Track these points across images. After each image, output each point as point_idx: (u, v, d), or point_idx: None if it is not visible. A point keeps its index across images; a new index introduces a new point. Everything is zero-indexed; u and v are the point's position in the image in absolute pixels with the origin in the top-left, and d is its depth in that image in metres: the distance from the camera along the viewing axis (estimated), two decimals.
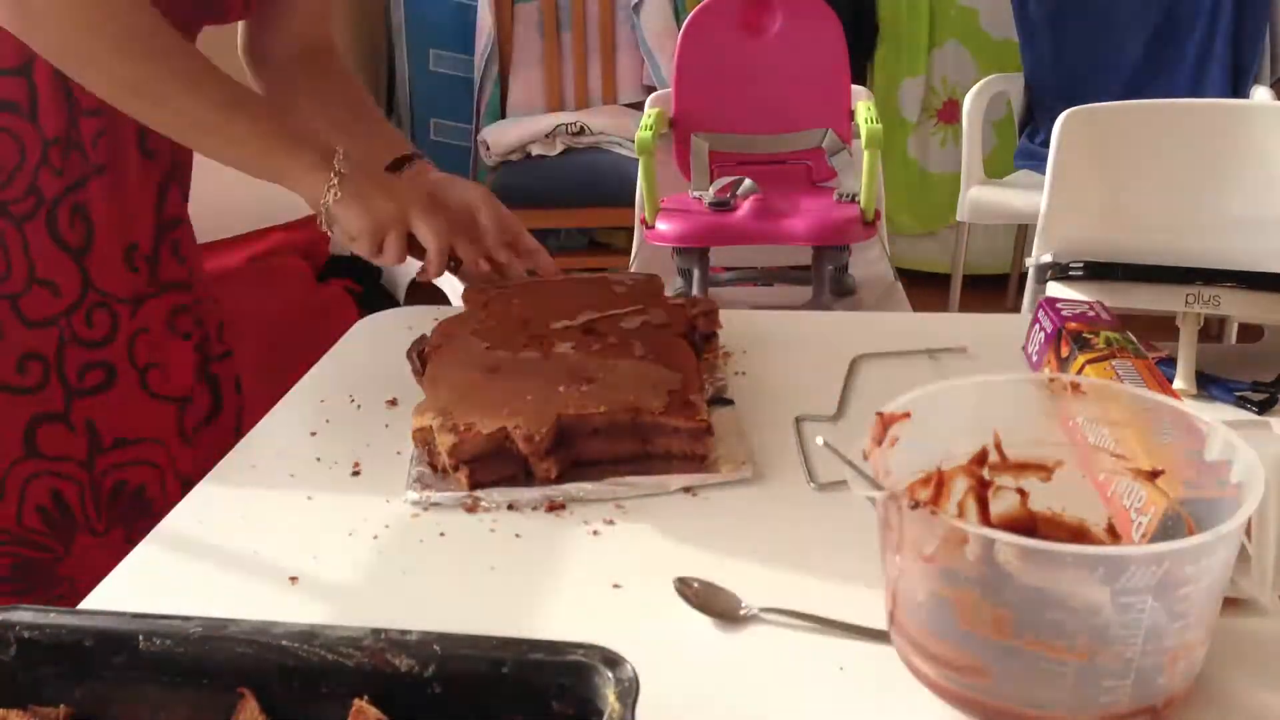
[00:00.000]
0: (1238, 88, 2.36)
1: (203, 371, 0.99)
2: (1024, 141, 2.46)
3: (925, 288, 2.83)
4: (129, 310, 0.91)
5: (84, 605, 0.61)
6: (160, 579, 0.65)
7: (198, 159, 0.95)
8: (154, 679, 0.49)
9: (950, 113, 2.80)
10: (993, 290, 2.66)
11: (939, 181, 2.83)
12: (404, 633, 0.47)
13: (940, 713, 0.53)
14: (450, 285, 1.90)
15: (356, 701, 0.46)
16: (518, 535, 0.68)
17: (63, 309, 0.87)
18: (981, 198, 2.25)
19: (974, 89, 2.30)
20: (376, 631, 0.47)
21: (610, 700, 0.43)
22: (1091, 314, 0.87)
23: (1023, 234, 2.59)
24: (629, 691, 0.43)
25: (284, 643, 0.47)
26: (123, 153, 0.88)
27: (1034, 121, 2.44)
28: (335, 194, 0.82)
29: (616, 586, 0.63)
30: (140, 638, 0.49)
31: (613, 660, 0.44)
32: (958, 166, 2.33)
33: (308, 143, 0.83)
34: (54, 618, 0.50)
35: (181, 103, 0.80)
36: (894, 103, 2.80)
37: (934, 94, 2.82)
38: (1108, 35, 2.38)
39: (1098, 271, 1.52)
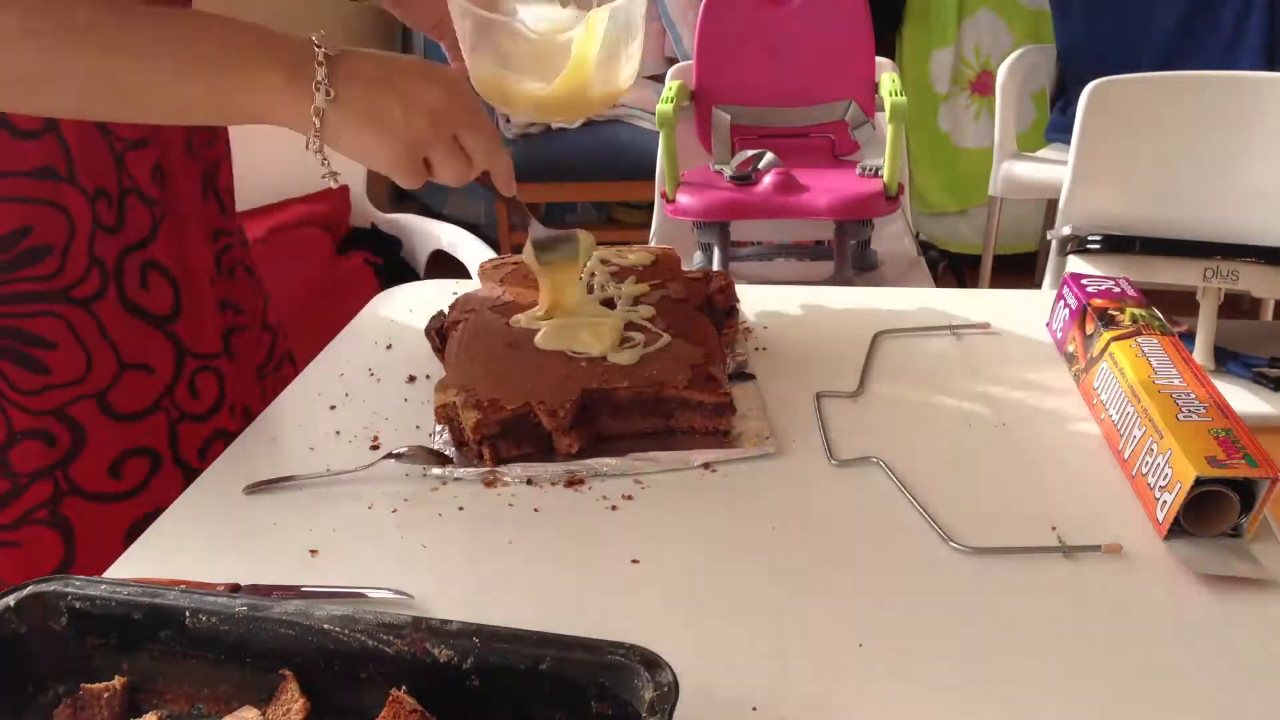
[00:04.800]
0: (1273, 60, 2.31)
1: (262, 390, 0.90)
2: (1056, 114, 2.42)
3: (954, 267, 2.79)
4: (226, 362, 0.82)
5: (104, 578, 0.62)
6: (181, 552, 0.66)
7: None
8: (199, 655, 0.50)
9: (984, 84, 2.75)
10: (1023, 270, 2.63)
11: (971, 157, 2.79)
12: (444, 622, 0.47)
13: (943, 703, 0.53)
14: (468, 258, 1.90)
15: (394, 692, 0.46)
16: (536, 510, 0.68)
17: (164, 389, 0.76)
18: (1014, 172, 2.21)
19: (1008, 59, 2.26)
20: (417, 620, 0.48)
21: (646, 702, 0.43)
22: (1117, 290, 0.86)
23: (1053, 210, 2.55)
24: (667, 697, 0.42)
25: (325, 626, 0.48)
26: (174, 174, 0.77)
27: (1066, 94, 2.39)
28: (327, 96, 0.59)
29: (634, 561, 0.63)
30: (187, 614, 0.49)
31: (653, 663, 0.44)
32: (992, 141, 2.29)
33: (270, 48, 0.60)
34: (105, 590, 0.51)
35: (87, 78, 0.58)
36: (924, 75, 2.76)
37: (966, 65, 2.77)
38: (1141, 6, 2.33)
39: (1116, 245, 1.51)
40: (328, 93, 0.59)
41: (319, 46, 0.60)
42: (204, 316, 0.80)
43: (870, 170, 1.80)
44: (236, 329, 0.86)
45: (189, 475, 0.76)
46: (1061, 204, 1.64)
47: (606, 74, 0.78)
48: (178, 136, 0.77)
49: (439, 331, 0.86)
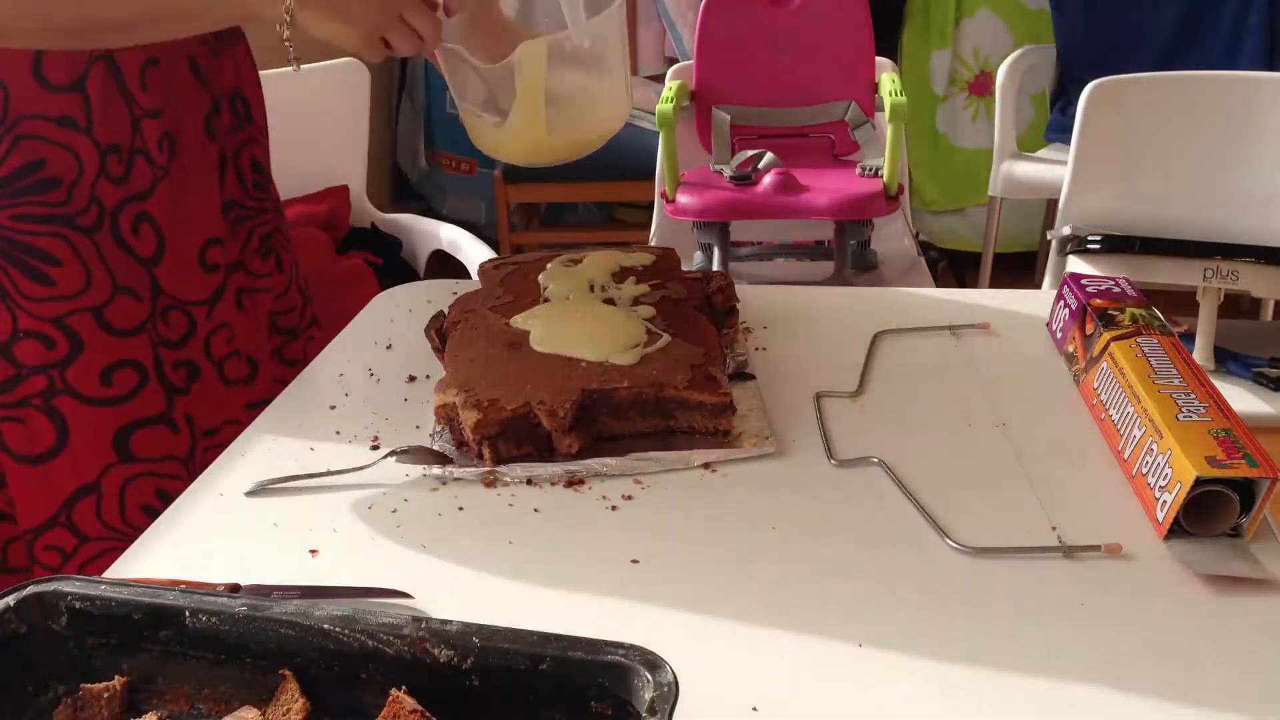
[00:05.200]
0: (1273, 60, 2.31)
1: (276, 349, 0.99)
2: (1056, 114, 2.42)
3: (953, 266, 2.79)
4: (204, 311, 0.90)
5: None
6: (181, 552, 0.66)
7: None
8: (199, 655, 0.50)
9: (982, 85, 2.75)
10: (1023, 270, 2.63)
11: (969, 157, 2.79)
12: (444, 623, 0.47)
13: (943, 703, 0.53)
14: (468, 258, 1.91)
15: (394, 692, 0.46)
16: (536, 510, 0.68)
17: (147, 315, 0.86)
18: (1014, 172, 2.21)
19: (1008, 60, 2.26)
20: (417, 620, 0.48)
21: (646, 702, 0.43)
22: (1117, 290, 0.86)
23: (1052, 210, 2.54)
24: (667, 697, 0.42)
25: (325, 626, 0.48)
26: (185, 147, 0.87)
27: (1066, 94, 2.39)
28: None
29: (634, 561, 0.63)
30: (187, 614, 0.49)
31: (653, 663, 0.44)
32: (988, 141, 2.29)
33: None
34: (105, 590, 0.51)
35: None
36: (923, 75, 2.76)
37: (964, 66, 2.77)
38: (1141, 6, 2.33)
39: (1116, 245, 1.51)
40: None
41: None
42: (188, 268, 0.88)
43: (870, 170, 1.80)
44: (248, 290, 0.95)
45: (169, 392, 0.88)
46: (1061, 204, 1.64)
47: (571, 116, 0.77)
48: (196, 114, 0.87)
49: (439, 331, 0.86)
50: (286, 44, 0.76)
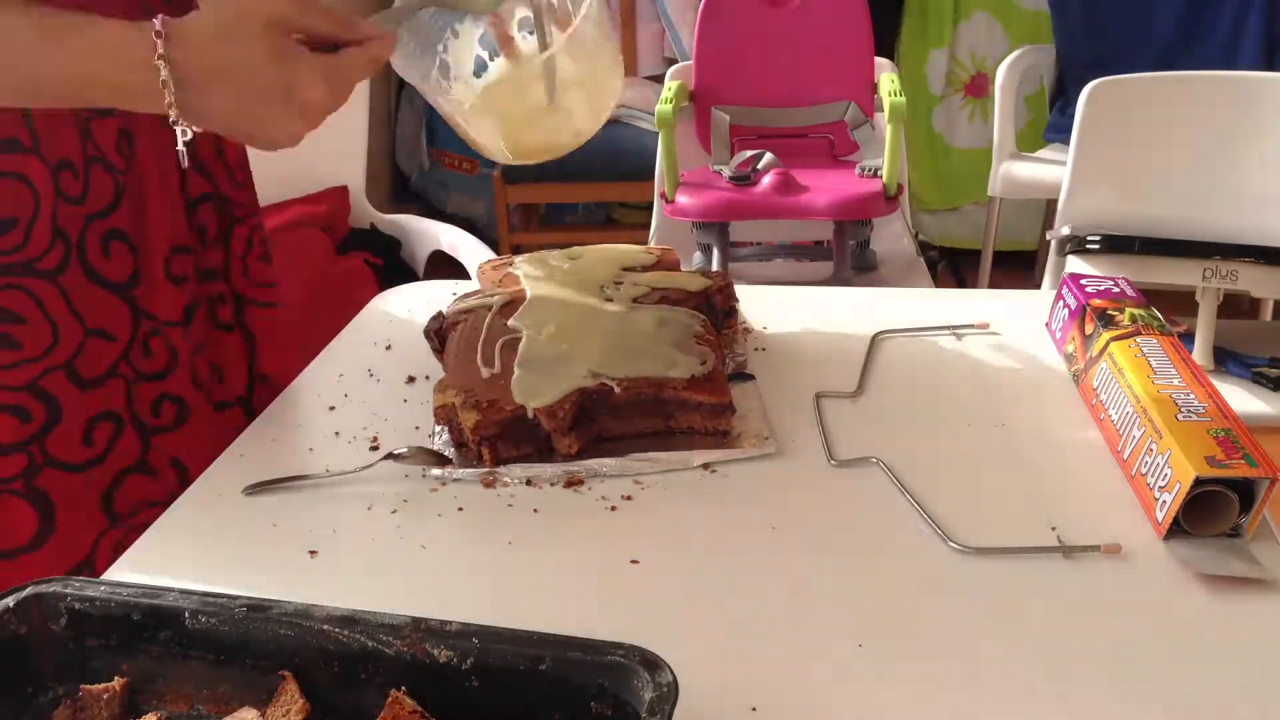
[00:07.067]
0: (1272, 61, 2.31)
1: (250, 365, 0.87)
2: (1055, 114, 2.42)
3: (951, 264, 2.80)
4: (180, 331, 0.79)
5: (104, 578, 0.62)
6: (180, 553, 0.66)
7: None
8: (199, 656, 0.50)
9: (978, 86, 2.76)
10: (1021, 266, 2.63)
11: (964, 156, 2.80)
12: (444, 623, 0.47)
13: (943, 703, 0.53)
14: (468, 259, 1.91)
15: (394, 692, 0.46)
16: (536, 510, 0.68)
17: (120, 352, 0.75)
18: (1013, 172, 2.22)
19: (1007, 60, 2.27)
20: (417, 621, 0.48)
21: (646, 703, 0.43)
22: (1116, 290, 0.86)
23: (1052, 209, 2.54)
24: (667, 697, 0.42)
25: (325, 627, 0.48)
26: (142, 143, 0.74)
27: (1065, 94, 2.40)
28: (170, 94, 0.58)
29: (634, 562, 0.63)
30: (187, 615, 0.49)
31: (653, 663, 0.44)
32: (983, 141, 2.30)
33: (107, 33, 0.58)
34: (104, 591, 0.51)
35: None
36: (920, 76, 2.77)
37: (960, 67, 2.78)
38: (1140, 6, 2.33)
39: (1115, 245, 1.51)
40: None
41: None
42: (158, 283, 0.77)
43: (869, 171, 1.80)
44: (248, 302, 0.85)
45: (144, 434, 0.77)
46: (1061, 204, 1.64)
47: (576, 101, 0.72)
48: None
49: (438, 332, 0.86)
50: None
